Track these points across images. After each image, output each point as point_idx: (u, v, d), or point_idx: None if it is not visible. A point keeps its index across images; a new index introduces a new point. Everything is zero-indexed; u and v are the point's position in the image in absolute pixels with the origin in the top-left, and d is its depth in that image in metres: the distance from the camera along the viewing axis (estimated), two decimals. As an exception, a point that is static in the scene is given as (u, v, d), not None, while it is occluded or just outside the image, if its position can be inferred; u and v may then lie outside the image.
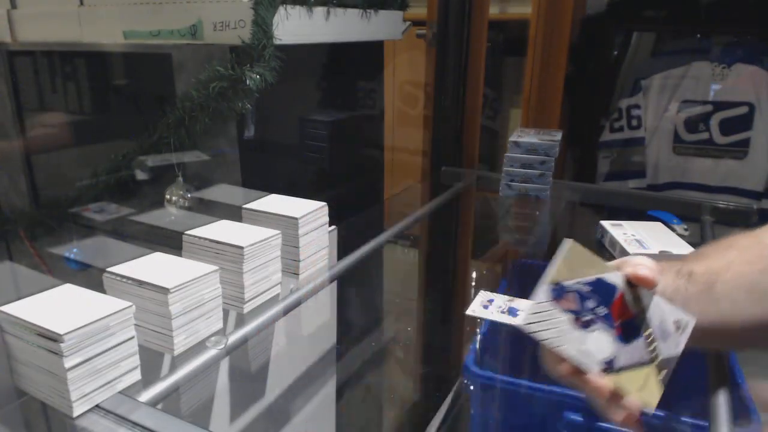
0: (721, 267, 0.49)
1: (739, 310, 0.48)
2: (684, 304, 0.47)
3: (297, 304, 0.75)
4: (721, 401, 0.57)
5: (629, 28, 1.62)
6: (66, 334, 0.48)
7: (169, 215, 0.90)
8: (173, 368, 0.58)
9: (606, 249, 0.96)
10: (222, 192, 0.92)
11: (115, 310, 0.52)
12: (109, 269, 0.61)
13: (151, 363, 0.58)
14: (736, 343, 0.55)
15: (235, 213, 0.78)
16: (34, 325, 0.49)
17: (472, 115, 1.42)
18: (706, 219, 1.11)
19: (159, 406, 0.55)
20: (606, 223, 0.99)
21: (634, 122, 1.58)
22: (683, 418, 0.74)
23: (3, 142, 1.16)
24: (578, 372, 0.46)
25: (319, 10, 0.93)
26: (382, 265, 1.27)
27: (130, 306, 0.53)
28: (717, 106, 1.51)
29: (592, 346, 0.47)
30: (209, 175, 0.92)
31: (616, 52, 1.63)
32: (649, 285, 0.47)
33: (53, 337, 0.48)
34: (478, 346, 0.91)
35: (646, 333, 0.48)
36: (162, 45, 0.88)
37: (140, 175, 0.92)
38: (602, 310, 0.48)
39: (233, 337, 0.64)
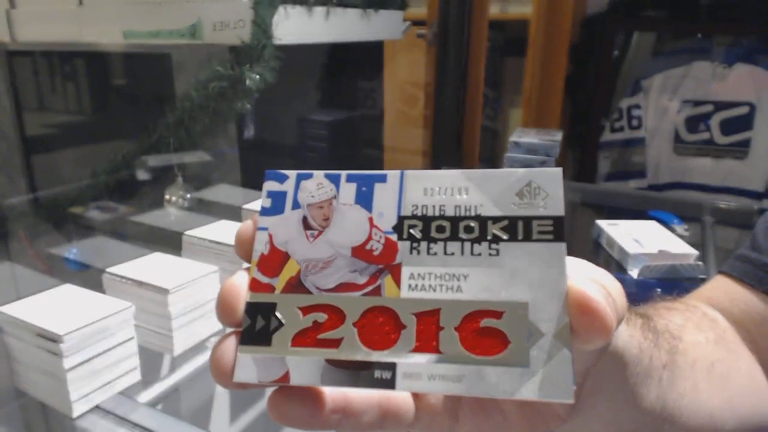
0: (676, 328, 0.31)
1: (698, 397, 0.29)
2: (647, 374, 0.25)
3: (297, 304, 0.74)
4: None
5: (629, 28, 1.62)
6: (66, 334, 0.48)
7: (169, 215, 0.90)
8: (173, 368, 0.58)
9: (603, 248, 0.96)
10: (222, 192, 0.92)
11: (115, 310, 0.52)
12: (109, 269, 0.61)
13: (151, 363, 0.58)
14: None
15: (235, 213, 0.78)
16: (34, 325, 0.49)
17: (472, 115, 1.42)
18: (706, 219, 1.11)
19: (159, 407, 0.55)
20: (602, 223, 0.99)
21: (635, 122, 1.58)
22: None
23: (3, 142, 1.16)
24: None
25: (319, 10, 0.93)
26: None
27: (130, 306, 0.53)
28: (717, 106, 1.51)
29: None
30: (209, 175, 0.92)
31: (616, 52, 1.63)
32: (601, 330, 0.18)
33: (53, 338, 0.48)
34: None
35: None
36: (162, 45, 0.88)
37: (140, 175, 0.92)
38: None
39: (233, 338, 0.64)
